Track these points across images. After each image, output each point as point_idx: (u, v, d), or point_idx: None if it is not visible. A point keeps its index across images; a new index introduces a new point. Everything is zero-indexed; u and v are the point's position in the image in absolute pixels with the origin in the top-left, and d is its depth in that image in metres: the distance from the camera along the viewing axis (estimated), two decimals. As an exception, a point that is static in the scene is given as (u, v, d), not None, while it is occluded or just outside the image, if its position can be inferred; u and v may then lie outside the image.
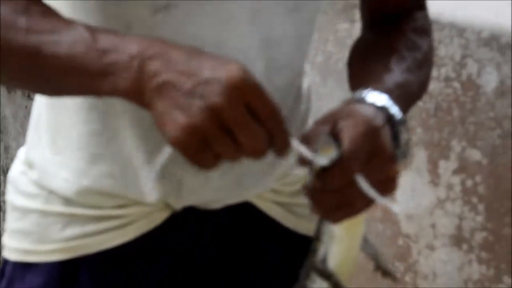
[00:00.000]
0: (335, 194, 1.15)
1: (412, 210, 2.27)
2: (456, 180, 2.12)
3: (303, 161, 1.12)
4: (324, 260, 1.23)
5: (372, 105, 1.25)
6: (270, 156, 1.20)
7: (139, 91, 1.12)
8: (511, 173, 2.02)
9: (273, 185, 1.56)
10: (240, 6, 1.38)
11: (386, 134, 1.19)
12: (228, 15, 1.40)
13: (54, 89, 1.29)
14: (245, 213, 1.56)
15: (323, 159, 1.11)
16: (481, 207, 2.09)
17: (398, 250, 2.31)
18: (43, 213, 1.48)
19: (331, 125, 1.15)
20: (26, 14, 1.21)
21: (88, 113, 1.43)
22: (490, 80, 2.01)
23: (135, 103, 1.14)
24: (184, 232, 1.50)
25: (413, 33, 1.53)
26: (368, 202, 1.13)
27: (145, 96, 1.12)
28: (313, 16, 1.51)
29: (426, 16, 1.59)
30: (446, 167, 2.16)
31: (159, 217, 1.49)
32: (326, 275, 1.22)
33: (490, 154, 2.07)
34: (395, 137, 1.23)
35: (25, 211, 1.51)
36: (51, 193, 1.46)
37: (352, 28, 1.97)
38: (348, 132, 1.13)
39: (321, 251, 1.23)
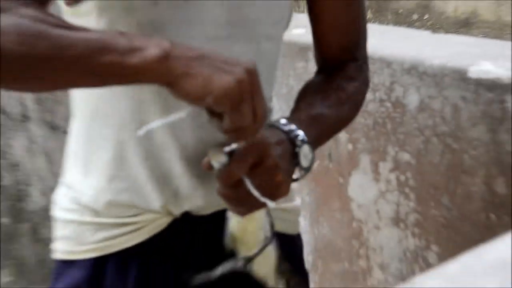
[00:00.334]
0: (230, 191, 1.32)
1: (361, 201, 2.32)
2: (392, 176, 2.17)
3: (206, 166, 1.32)
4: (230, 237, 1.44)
5: (278, 129, 1.41)
6: None
7: (169, 63, 1.17)
8: (433, 169, 2.06)
9: None
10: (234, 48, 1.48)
11: (276, 150, 1.35)
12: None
13: (72, 74, 1.27)
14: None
15: (215, 163, 1.28)
16: (412, 195, 2.13)
17: (353, 231, 2.36)
18: (79, 223, 1.60)
19: None
20: (53, 16, 1.24)
21: (105, 143, 1.53)
22: (412, 100, 2.07)
23: (157, 77, 1.19)
24: (183, 234, 1.59)
25: (342, 79, 1.64)
26: (257, 203, 1.30)
27: (179, 65, 1.17)
28: (275, 60, 1.65)
29: (358, 66, 1.69)
30: (384, 167, 2.20)
31: (164, 222, 1.58)
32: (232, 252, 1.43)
33: (416, 156, 2.11)
34: (295, 154, 1.39)
35: (66, 222, 1.63)
36: (84, 208, 1.57)
37: (307, 66, 2.03)
38: (238, 145, 1.29)
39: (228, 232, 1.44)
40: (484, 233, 1.97)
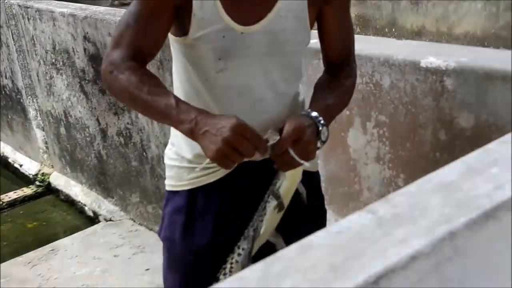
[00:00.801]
0: (281, 157, 1.56)
1: (355, 147, 2.41)
2: (374, 131, 2.29)
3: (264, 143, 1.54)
4: (278, 189, 1.63)
5: (308, 116, 1.60)
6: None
7: (193, 134, 1.50)
8: (400, 125, 2.20)
9: None
10: (256, 69, 1.67)
11: (309, 130, 1.55)
12: (251, 74, 1.67)
13: (153, 119, 1.87)
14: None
15: (270, 140, 1.53)
16: (387, 142, 2.26)
17: (350, 167, 2.45)
18: (179, 167, 1.81)
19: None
20: (147, 82, 1.56)
21: None
22: (386, 81, 2.21)
23: (190, 137, 1.53)
24: (244, 173, 1.72)
25: (342, 77, 1.80)
26: (297, 163, 1.55)
27: (196, 136, 1.50)
28: (300, 65, 1.81)
29: (351, 66, 1.84)
30: (369, 125, 2.33)
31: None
32: (277, 197, 1.63)
33: (389, 117, 2.23)
34: (318, 132, 1.59)
35: (172, 167, 1.85)
36: (182, 158, 1.79)
37: (319, 62, 2.01)
38: (285, 128, 1.53)
39: (277, 185, 1.64)
40: (433, 166, 2.01)
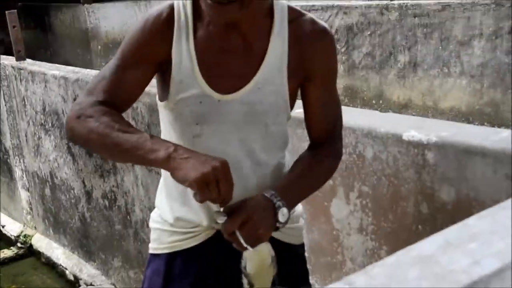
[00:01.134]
0: (230, 237, 1.51)
1: (338, 216, 2.38)
2: (357, 201, 2.28)
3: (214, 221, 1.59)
4: (244, 267, 1.53)
5: (265, 196, 1.56)
6: None
7: (170, 159, 1.44)
8: (382, 197, 2.19)
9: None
10: (233, 136, 1.67)
11: (260, 213, 1.52)
12: (227, 140, 1.67)
13: (122, 158, 1.69)
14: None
15: (218, 220, 1.53)
16: (370, 213, 2.25)
17: (333, 237, 2.42)
18: (161, 230, 1.83)
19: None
20: (119, 122, 1.53)
21: (177, 187, 1.67)
22: (369, 153, 2.22)
23: (163, 167, 1.52)
24: (222, 240, 1.60)
25: (322, 156, 1.76)
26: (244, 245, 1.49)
27: (174, 161, 1.44)
28: (282, 134, 1.78)
29: (334, 145, 1.79)
30: (352, 195, 2.32)
31: (210, 233, 1.77)
32: (246, 275, 1.54)
33: (372, 188, 2.24)
34: (276, 214, 1.54)
35: (154, 229, 1.86)
36: (164, 221, 1.80)
37: (303, 132, 1.95)
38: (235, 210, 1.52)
39: (243, 263, 1.54)
40: (415, 238, 2.06)
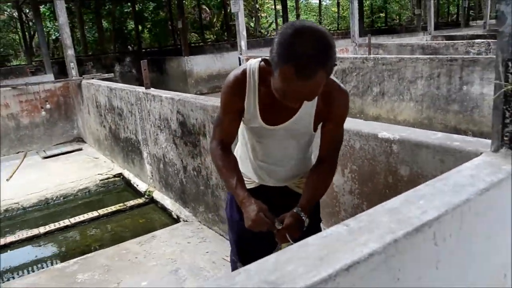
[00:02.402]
0: (280, 236, 1.55)
1: (337, 184, 2.31)
2: (349, 175, 2.21)
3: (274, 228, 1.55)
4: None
5: (299, 214, 1.58)
6: (295, 175, 1.73)
7: (241, 204, 1.54)
8: (365, 172, 2.12)
9: (293, 181, 1.80)
10: (279, 144, 1.67)
11: (298, 226, 1.56)
12: (275, 146, 1.67)
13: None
14: (285, 189, 1.79)
15: (277, 226, 1.55)
16: (357, 182, 2.19)
17: (333, 196, 2.36)
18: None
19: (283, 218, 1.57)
20: (226, 167, 1.62)
21: (245, 159, 1.76)
22: (356, 145, 2.13)
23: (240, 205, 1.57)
24: (267, 189, 1.76)
25: (327, 169, 1.67)
26: (289, 241, 1.54)
27: (242, 208, 1.54)
28: (310, 141, 1.74)
29: (332, 163, 1.68)
30: (346, 171, 2.24)
31: (258, 184, 1.80)
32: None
33: (358, 167, 2.15)
34: (303, 221, 1.58)
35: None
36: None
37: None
38: (285, 223, 1.54)
39: (277, 249, 1.59)
40: (384, 197, 2.03)
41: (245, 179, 1.74)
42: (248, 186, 1.72)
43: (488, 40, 9.50)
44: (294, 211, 1.59)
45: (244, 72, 1.56)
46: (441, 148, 1.77)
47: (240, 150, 1.83)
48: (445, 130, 5.99)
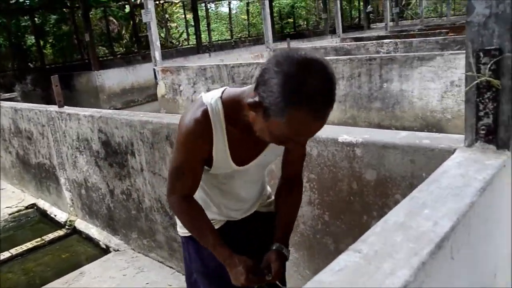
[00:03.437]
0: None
1: None
2: (307, 184, 2.07)
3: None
4: None
5: (281, 251, 1.51)
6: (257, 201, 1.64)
7: (225, 263, 1.43)
8: (324, 180, 2.02)
9: (259, 204, 1.69)
10: (256, 175, 1.56)
11: (283, 264, 1.51)
12: (251, 180, 1.56)
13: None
14: (253, 214, 1.67)
15: (268, 278, 1.46)
16: (316, 192, 2.08)
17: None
18: None
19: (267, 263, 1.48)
20: (193, 215, 1.48)
21: (207, 201, 1.59)
22: (314, 152, 2.03)
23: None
24: (235, 223, 1.63)
25: (295, 190, 1.62)
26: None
27: (226, 264, 1.43)
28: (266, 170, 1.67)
29: (302, 182, 1.65)
30: (305, 180, 2.11)
31: (223, 221, 1.64)
32: None
33: (317, 175, 2.05)
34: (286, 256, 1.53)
35: None
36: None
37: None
38: (273, 270, 1.46)
39: None
40: (348, 206, 1.96)
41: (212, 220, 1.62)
42: (215, 227, 1.61)
43: (395, 40, 9.96)
44: (274, 248, 1.51)
45: (205, 114, 1.34)
46: (410, 148, 1.69)
47: (197, 194, 1.64)
48: (370, 127, 6.12)
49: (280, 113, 1.13)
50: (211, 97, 1.36)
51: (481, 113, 1.45)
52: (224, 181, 1.53)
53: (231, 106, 1.33)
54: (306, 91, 1.09)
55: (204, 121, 1.33)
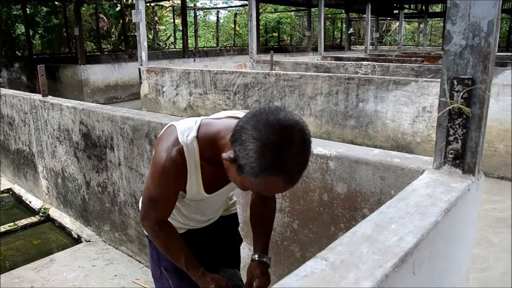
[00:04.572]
0: None
1: None
2: (280, 194, 2.09)
3: None
4: None
5: (262, 261, 1.54)
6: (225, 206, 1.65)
7: (197, 282, 1.43)
8: (297, 190, 2.00)
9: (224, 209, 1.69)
10: (225, 195, 1.55)
11: (268, 275, 1.53)
12: (219, 200, 1.56)
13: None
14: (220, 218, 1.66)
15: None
16: (287, 200, 2.06)
17: None
18: None
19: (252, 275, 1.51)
20: (167, 239, 1.45)
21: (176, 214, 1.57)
22: None
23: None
24: (193, 232, 1.61)
25: (270, 206, 1.61)
26: None
27: (199, 283, 1.43)
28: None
29: (274, 199, 1.64)
30: None
31: (187, 229, 1.61)
32: None
33: None
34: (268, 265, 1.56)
35: None
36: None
37: None
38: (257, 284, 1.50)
39: None
40: (318, 216, 1.95)
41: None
42: (179, 232, 1.61)
43: (373, 62, 10.11)
44: (257, 259, 1.53)
45: (180, 153, 1.31)
46: (381, 165, 1.70)
47: None
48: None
49: (253, 175, 1.11)
50: (187, 135, 1.32)
51: (451, 138, 1.47)
52: (192, 204, 1.52)
53: (207, 146, 1.31)
54: (282, 163, 1.08)
55: (180, 161, 1.31)
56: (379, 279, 0.84)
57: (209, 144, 1.30)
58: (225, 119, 1.37)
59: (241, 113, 1.39)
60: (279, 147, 1.07)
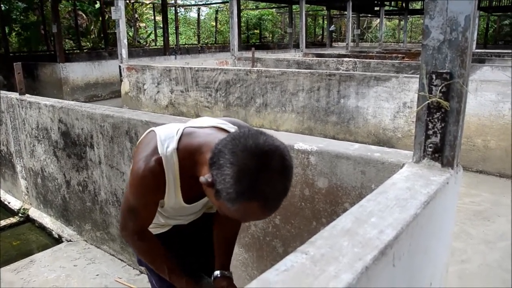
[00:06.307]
0: None
1: None
2: None
3: None
4: None
5: (226, 277, 1.56)
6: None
7: None
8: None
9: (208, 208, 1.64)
10: (198, 207, 1.52)
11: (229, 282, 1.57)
12: (193, 209, 1.52)
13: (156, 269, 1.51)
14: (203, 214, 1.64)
15: None
16: None
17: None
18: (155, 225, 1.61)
19: None
20: (147, 249, 1.46)
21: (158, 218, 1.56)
22: None
23: None
24: (176, 230, 1.61)
25: (234, 226, 1.62)
26: None
27: None
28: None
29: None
30: None
31: (170, 226, 1.62)
32: None
33: None
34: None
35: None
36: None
37: None
38: None
39: None
40: (299, 210, 1.96)
41: (156, 225, 1.61)
42: (161, 231, 1.61)
43: (354, 59, 10.17)
44: (220, 276, 1.55)
45: (159, 163, 1.28)
46: (362, 160, 1.71)
47: None
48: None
49: (230, 201, 1.08)
50: (167, 147, 1.29)
51: (430, 132, 1.49)
52: (171, 210, 1.50)
53: (187, 158, 1.28)
54: (258, 188, 1.05)
55: (158, 172, 1.28)
56: (359, 272, 0.84)
57: (189, 156, 1.27)
58: (208, 129, 1.33)
59: (225, 124, 1.36)
60: (256, 172, 1.03)
